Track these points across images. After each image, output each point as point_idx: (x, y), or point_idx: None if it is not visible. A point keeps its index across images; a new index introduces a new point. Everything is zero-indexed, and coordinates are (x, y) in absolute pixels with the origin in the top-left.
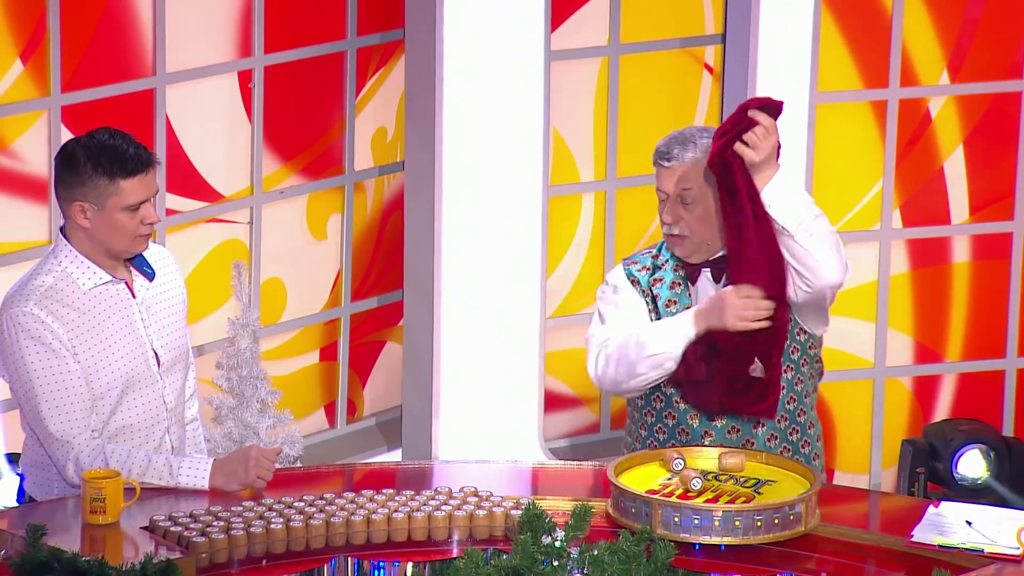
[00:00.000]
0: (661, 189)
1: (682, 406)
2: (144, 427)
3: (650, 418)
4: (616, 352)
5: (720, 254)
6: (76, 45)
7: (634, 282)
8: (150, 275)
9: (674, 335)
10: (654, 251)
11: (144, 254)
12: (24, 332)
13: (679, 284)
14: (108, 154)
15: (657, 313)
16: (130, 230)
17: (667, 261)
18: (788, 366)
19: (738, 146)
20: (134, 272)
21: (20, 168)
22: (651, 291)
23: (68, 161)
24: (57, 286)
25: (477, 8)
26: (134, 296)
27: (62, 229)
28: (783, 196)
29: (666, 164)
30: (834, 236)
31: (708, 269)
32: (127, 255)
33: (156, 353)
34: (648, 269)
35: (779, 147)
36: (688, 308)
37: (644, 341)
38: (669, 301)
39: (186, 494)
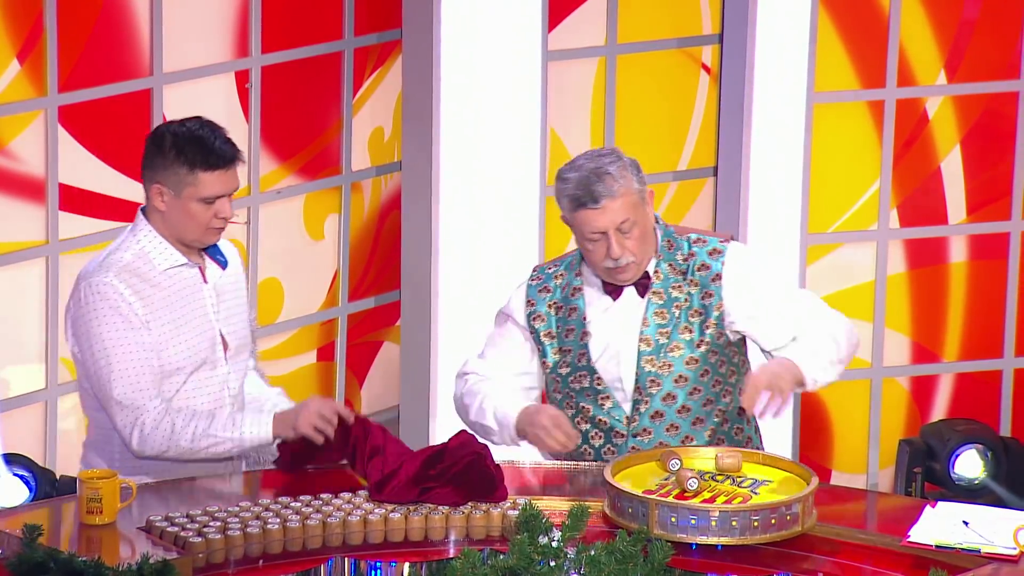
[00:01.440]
0: (596, 230)
1: (592, 400)
2: (206, 410)
3: (570, 411)
4: (464, 396)
5: (646, 268)
6: (73, 45)
7: (530, 303)
8: (223, 263)
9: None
10: (568, 265)
11: (218, 244)
12: (103, 301)
13: (578, 290)
14: (193, 144)
15: (541, 345)
16: (202, 221)
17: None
18: (727, 389)
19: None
20: (207, 259)
21: (17, 168)
22: (544, 313)
23: (156, 143)
24: (135, 263)
25: (474, 8)
26: (206, 281)
27: (143, 209)
28: (820, 374)
29: (595, 206)
30: (834, 332)
31: (632, 286)
32: (198, 245)
33: (224, 338)
34: (549, 291)
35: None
36: (580, 318)
37: (481, 411)
38: (566, 311)
39: (184, 492)
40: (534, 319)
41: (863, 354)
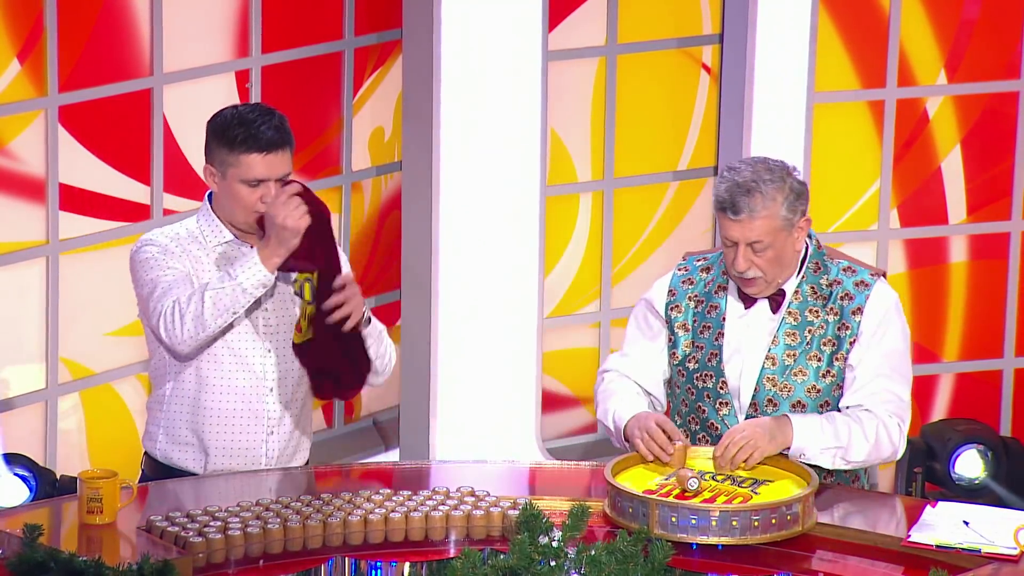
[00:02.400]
0: (728, 237)
1: (711, 403)
2: (243, 396)
3: (684, 408)
4: (598, 394)
5: (782, 286)
6: (73, 45)
7: (671, 292)
8: None
9: (617, 413)
10: (718, 260)
11: None
12: (146, 244)
13: (723, 288)
14: (238, 125)
15: (674, 336)
16: (247, 204)
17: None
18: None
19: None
20: None
21: (17, 168)
22: (683, 305)
23: (212, 123)
24: (186, 237)
25: (474, 8)
26: None
27: (210, 193)
28: (810, 450)
29: (734, 217)
30: (878, 438)
31: (766, 300)
32: (246, 228)
33: (262, 316)
34: (692, 283)
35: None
36: (719, 316)
37: (605, 412)
38: (706, 306)
39: (184, 492)
40: (672, 308)
41: None
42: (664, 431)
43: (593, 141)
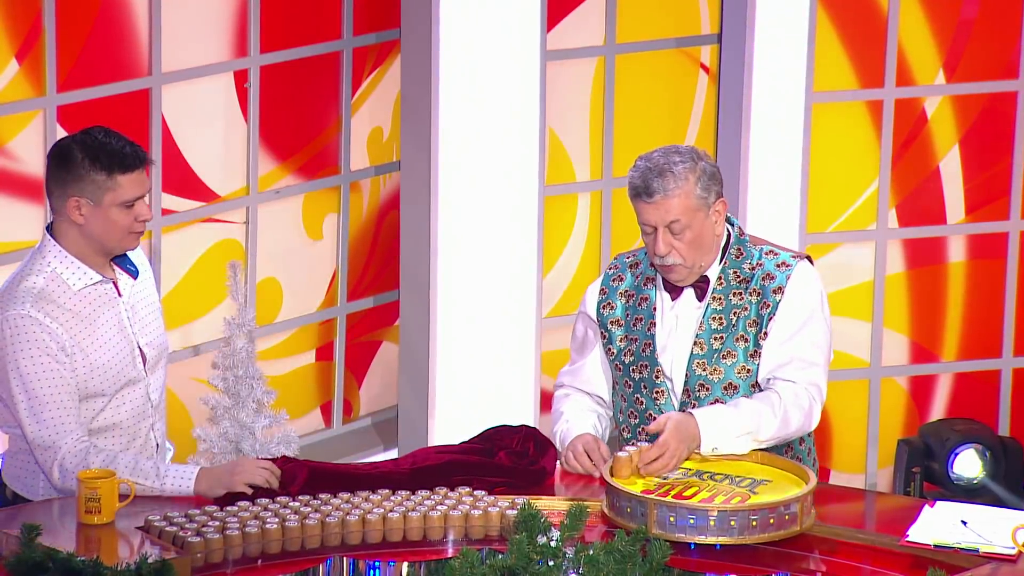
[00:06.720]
0: (646, 223)
1: (647, 393)
2: (130, 424)
3: (624, 403)
4: (553, 412)
5: (705, 272)
6: (72, 45)
7: (603, 291)
8: (134, 273)
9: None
10: (646, 253)
11: (128, 253)
12: (22, 335)
13: (651, 280)
14: (105, 151)
15: (608, 333)
16: (124, 226)
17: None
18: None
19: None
20: (119, 271)
21: (15, 168)
22: (615, 302)
23: (63, 157)
24: (49, 287)
25: (473, 8)
26: (120, 295)
27: (48, 228)
28: (722, 442)
29: (649, 200)
30: (786, 410)
31: (691, 288)
32: (119, 251)
33: (142, 351)
34: (622, 279)
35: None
36: (650, 307)
37: (553, 435)
38: (637, 299)
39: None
40: (604, 307)
41: (862, 354)
42: (590, 457)
43: (592, 141)
